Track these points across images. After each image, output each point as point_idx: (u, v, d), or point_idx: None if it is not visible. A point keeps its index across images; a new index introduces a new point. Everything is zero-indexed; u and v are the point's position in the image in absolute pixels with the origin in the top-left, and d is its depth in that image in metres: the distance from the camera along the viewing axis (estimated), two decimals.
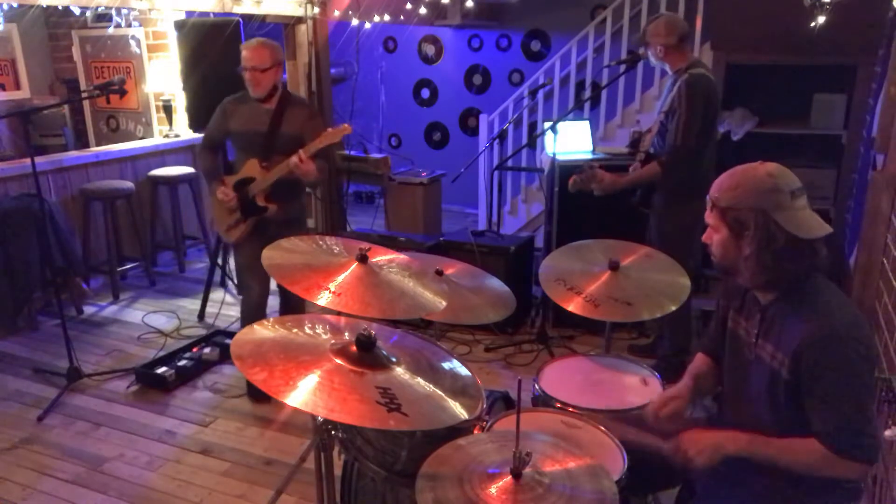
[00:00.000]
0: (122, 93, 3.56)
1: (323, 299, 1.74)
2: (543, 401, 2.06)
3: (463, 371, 1.72)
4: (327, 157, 3.27)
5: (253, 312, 3.31)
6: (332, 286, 1.79)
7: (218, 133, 3.32)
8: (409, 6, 5.01)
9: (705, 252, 1.76)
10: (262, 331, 1.64)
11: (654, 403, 1.85)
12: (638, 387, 2.17)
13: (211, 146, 3.38)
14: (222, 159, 3.52)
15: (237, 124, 3.22)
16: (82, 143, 6.39)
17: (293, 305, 3.31)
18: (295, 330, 1.68)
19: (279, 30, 5.01)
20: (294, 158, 3.00)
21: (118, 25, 5.67)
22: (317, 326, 1.72)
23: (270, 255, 1.94)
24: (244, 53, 3.10)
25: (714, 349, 1.95)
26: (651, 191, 3.40)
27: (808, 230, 1.55)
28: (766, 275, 1.61)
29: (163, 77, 5.60)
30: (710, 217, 1.67)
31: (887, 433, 1.89)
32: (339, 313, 1.77)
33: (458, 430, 1.66)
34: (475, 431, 1.76)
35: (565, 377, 2.20)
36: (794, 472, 1.59)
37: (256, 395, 3.39)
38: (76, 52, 6.16)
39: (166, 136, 5.60)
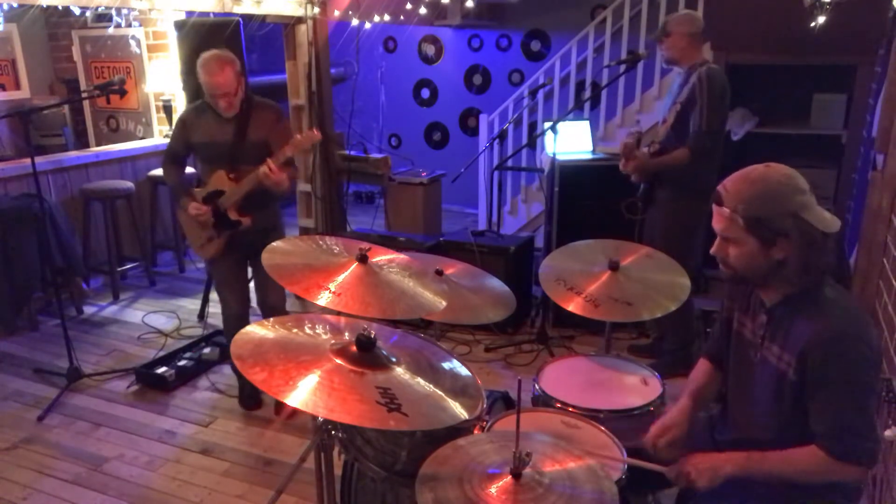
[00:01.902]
0: (122, 93, 3.55)
1: (323, 299, 1.74)
2: (543, 401, 2.06)
3: (463, 371, 1.72)
4: (294, 163, 3.12)
5: (233, 329, 3.17)
6: (332, 286, 1.79)
7: (180, 147, 3.13)
8: (409, 6, 5.00)
9: (706, 252, 1.75)
10: (262, 331, 1.64)
11: (651, 433, 1.83)
12: (638, 387, 2.17)
13: (174, 160, 3.20)
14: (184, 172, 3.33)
15: (200, 136, 3.04)
16: (82, 143, 6.39)
17: (271, 304, 3.19)
18: (295, 330, 1.68)
19: (279, 30, 5.00)
20: (263, 169, 2.86)
21: (118, 25, 5.67)
22: (317, 326, 1.72)
23: (271, 256, 1.94)
24: (208, 80, 2.88)
25: (717, 353, 1.94)
26: (651, 193, 3.42)
27: (831, 224, 1.55)
28: (807, 275, 1.58)
29: (163, 77, 5.60)
30: (729, 230, 1.60)
31: (887, 433, 1.89)
32: (339, 313, 1.77)
33: (458, 430, 1.66)
34: (475, 431, 1.76)
35: (565, 377, 2.20)
36: (795, 481, 1.59)
37: (248, 402, 3.36)
38: (76, 52, 6.16)
39: (166, 136, 5.59)
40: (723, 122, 3.27)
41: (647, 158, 3.33)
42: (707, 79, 3.16)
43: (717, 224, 1.63)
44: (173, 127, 3.15)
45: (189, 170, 3.41)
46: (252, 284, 3.36)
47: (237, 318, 3.19)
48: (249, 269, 3.32)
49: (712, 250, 1.67)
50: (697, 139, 3.20)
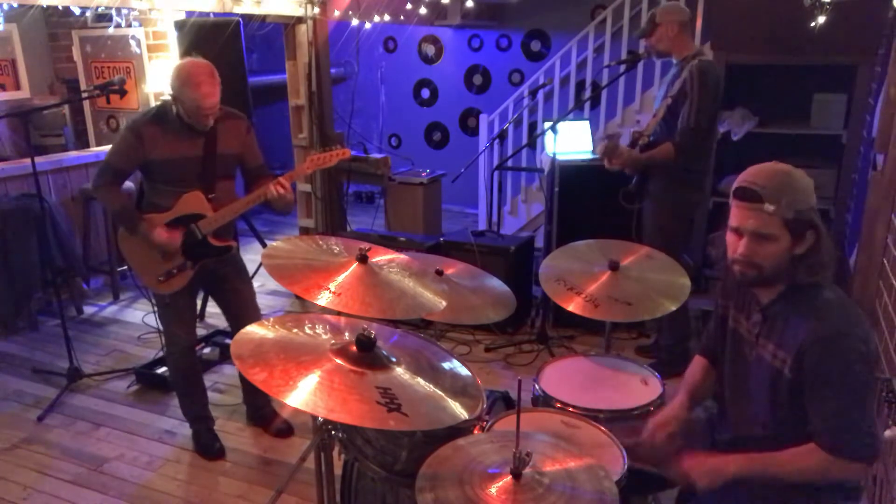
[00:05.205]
0: (122, 93, 3.53)
1: (323, 299, 1.74)
2: (543, 401, 2.07)
3: (463, 371, 1.73)
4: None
5: (182, 364, 2.93)
6: (332, 286, 1.79)
7: (131, 165, 2.67)
8: (409, 6, 5.01)
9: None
10: (262, 331, 1.64)
11: (648, 431, 1.84)
12: (638, 387, 2.17)
13: (119, 181, 2.70)
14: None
15: (162, 152, 2.62)
16: (82, 143, 6.39)
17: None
18: (295, 330, 1.68)
19: (279, 30, 5.00)
20: (275, 188, 2.60)
21: (118, 25, 5.67)
22: (317, 326, 1.72)
23: (271, 256, 1.94)
24: (202, 100, 2.52)
25: (713, 350, 1.95)
26: (644, 185, 3.40)
27: None
28: (823, 269, 1.60)
29: (163, 77, 5.59)
30: (768, 226, 1.55)
31: (887, 433, 1.89)
32: (339, 313, 1.77)
33: (458, 430, 1.66)
34: (475, 431, 1.76)
35: (565, 377, 2.20)
36: (796, 481, 1.59)
37: (206, 451, 3.00)
38: (76, 52, 6.16)
39: None
40: (712, 118, 3.24)
41: (630, 154, 3.31)
42: (699, 74, 3.12)
43: (750, 221, 1.57)
44: (119, 141, 2.67)
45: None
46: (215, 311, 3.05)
47: (186, 351, 2.92)
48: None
49: (740, 251, 1.60)
50: (683, 135, 3.18)
